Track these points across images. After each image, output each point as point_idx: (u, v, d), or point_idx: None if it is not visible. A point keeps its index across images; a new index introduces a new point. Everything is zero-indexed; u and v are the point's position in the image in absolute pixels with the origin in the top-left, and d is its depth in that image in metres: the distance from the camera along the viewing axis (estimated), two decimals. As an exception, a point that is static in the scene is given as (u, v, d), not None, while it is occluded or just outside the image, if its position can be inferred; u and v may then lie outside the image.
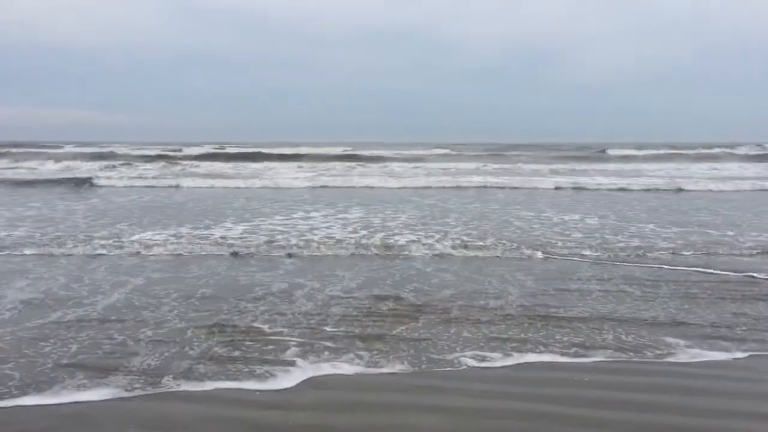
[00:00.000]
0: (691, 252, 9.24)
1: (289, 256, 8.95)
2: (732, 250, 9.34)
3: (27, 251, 9.33)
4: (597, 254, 9.09)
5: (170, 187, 22.43)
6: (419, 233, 10.94)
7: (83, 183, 23.22)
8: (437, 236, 10.62)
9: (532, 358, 4.93)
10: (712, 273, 7.88)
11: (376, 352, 5.07)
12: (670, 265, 8.33)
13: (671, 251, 9.30)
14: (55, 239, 10.22)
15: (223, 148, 51.14)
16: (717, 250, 9.35)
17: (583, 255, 9.02)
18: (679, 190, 20.98)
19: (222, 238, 10.49)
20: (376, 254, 9.21)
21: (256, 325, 5.78)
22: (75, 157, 38.59)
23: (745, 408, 4.04)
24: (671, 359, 4.90)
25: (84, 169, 30.52)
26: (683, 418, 3.88)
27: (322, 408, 4.09)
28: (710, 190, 20.89)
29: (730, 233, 11.02)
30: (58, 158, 37.75)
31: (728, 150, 47.62)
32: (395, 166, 33.93)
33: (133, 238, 10.38)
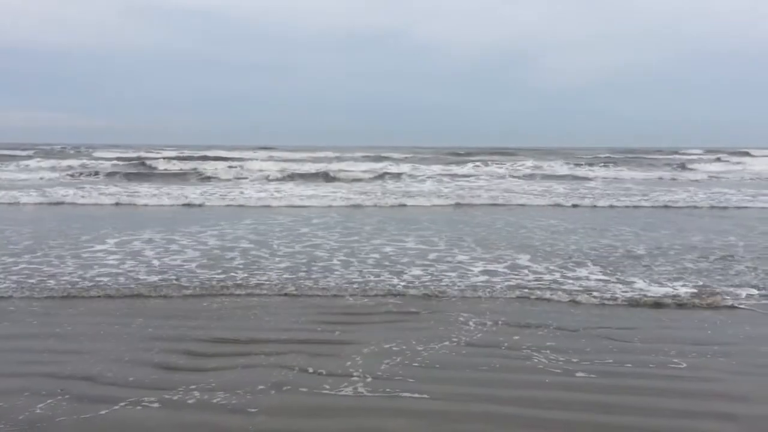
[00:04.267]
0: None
1: None
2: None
3: None
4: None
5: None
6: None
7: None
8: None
9: (500, 361, 4.87)
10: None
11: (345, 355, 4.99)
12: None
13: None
14: None
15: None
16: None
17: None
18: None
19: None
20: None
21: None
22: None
23: (704, 408, 4.09)
24: (627, 361, 4.94)
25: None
26: (644, 418, 3.90)
27: (288, 412, 3.98)
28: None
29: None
30: None
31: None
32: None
33: None
